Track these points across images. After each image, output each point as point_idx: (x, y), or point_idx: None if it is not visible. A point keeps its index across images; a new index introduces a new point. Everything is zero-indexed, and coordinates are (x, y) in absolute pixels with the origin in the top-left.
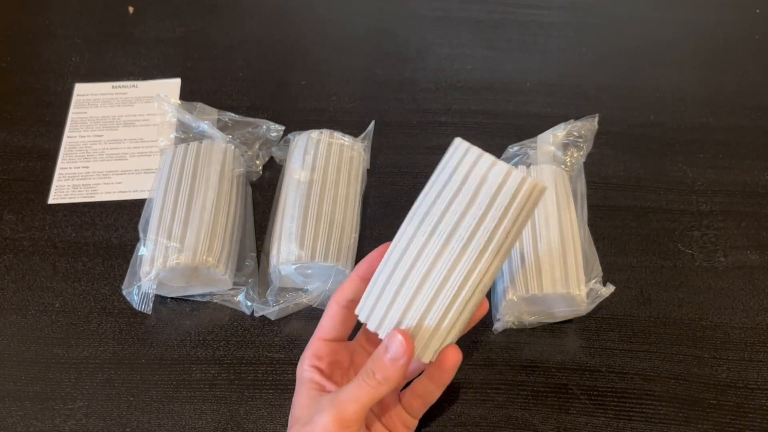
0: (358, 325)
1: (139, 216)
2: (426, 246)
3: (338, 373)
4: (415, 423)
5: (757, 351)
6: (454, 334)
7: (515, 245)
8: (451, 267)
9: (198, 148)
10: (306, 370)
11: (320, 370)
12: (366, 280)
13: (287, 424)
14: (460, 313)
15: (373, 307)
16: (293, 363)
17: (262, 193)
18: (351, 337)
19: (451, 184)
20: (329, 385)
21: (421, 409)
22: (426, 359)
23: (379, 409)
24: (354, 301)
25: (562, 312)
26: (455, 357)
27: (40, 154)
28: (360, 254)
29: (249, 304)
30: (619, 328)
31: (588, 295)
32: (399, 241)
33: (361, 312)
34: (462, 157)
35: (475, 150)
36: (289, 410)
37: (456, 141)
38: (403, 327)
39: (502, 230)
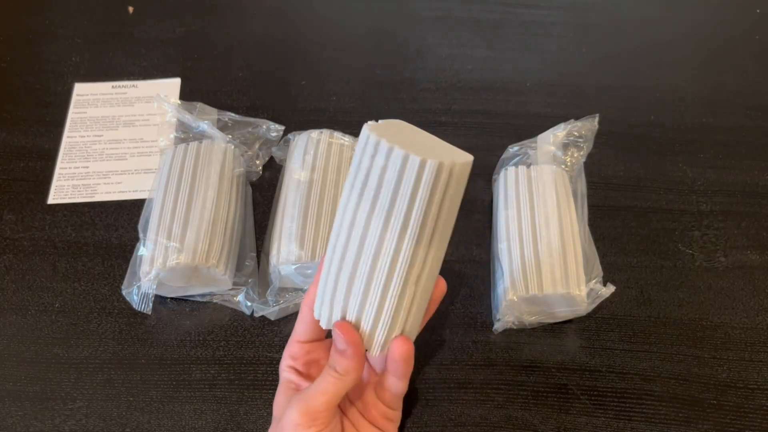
0: None
1: (138, 216)
2: (350, 238)
3: (315, 371)
4: (396, 414)
5: (757, 351)
6: (401, 324)
7: (449, 230)
8: (374, 256)
9: (198, 148)
10: (283, 370)
11: (296, 371)
12: None
13: None
14: (397, 304)
15: (321, 306)
16: None
17: (262, 193)
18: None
19: (370, 181)
20: (304, 384)
21: (394, 400)
22: (373, 352)
23: (361, 406)
24: None
25: (562, 312)
26: (401, 348)
27: (39, 154)
28: None
29: (249, 304)
30: (619, 328)
31: (588, 295)
32: (336, 238)
33: (317, 313)
34: (373, 155)
35: (384, 144)
36: None
37: (364, 130)
38: (348, 319)
39: (415, 216)
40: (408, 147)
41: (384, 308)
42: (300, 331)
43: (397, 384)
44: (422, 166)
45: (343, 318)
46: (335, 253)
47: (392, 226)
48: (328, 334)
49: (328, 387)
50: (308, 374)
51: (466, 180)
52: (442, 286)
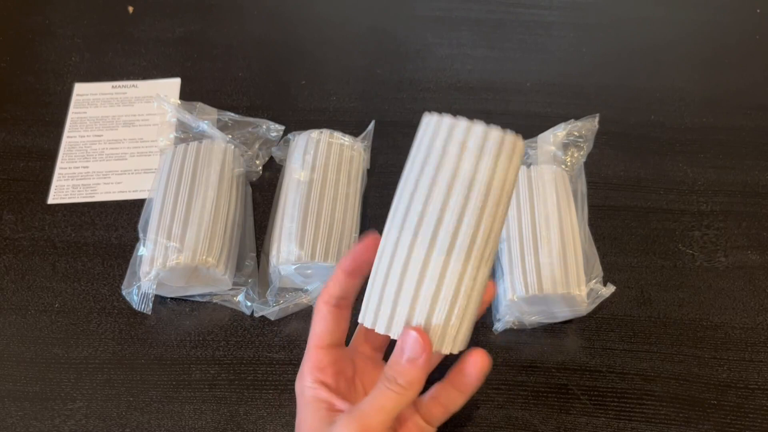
0: (351, 329)
1: (138, 216)
2: (417, 235)
3: (343, 384)
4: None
5: (757, 351)
6: (469, 320)
7: (507, 216)
8: (449, 250)
9: (198, 148)
10: (309, 387)
11: (326, 385)
12: (351, 275)
13: (287, 425)
14: (469, 296)
15: (377, 310)
16: (293, 363)
17: (262, 193)
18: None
19: (429, 165)
20: (339, 402)
21: (440, 418)
22: (446, 350)
23: (395, 420)
24: (344, 299)
25: (562, 312)
26: (479, 363)
27: (39, 154)
28: None
29: (249, 304)
30: (619, 328)
31: (588, 295)
32: (388, 236)
33: (365, 318)
34: (435, 132)
35: (447, 119)
36: (289, 410)
37: (425, 117)
38: (413, 323)
39: (492, 198)
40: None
41: (458, 302)
42: (321, 332)
43: (456, 400)
44: (502, 139)
45: (408, 322)
46: (397, 254)
47: (470, 212)
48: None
49: (386, 403)
50: (339, 389)
51: (520, 159)
52: (492, 289)
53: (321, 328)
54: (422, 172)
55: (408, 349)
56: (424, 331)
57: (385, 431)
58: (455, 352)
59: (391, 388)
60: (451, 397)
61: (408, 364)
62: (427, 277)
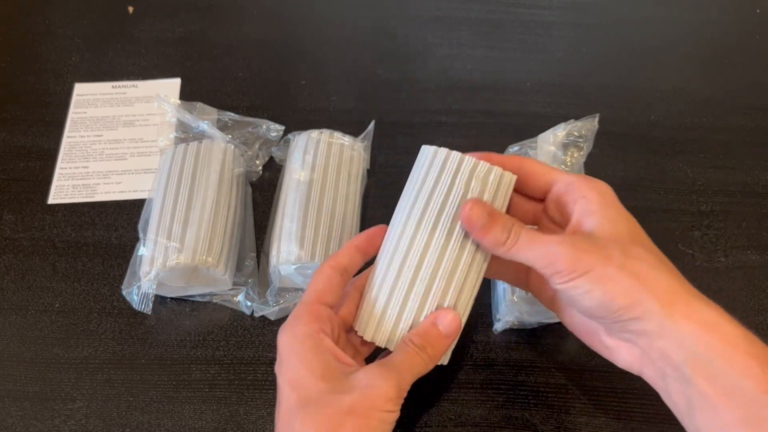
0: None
1: (138, 216)
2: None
3: (344, 351)
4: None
5: None
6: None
7: None
8: (437, 260)
9: (198, 148)
10: (311, 334)
11: (327, 335)
12: (361, 252)
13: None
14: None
15: (381, 322)
16: None
17: (262, 193)
18: None
19: (424, 187)
20: (343, 356)
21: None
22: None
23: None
24: (347, 271)
25: None
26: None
27: (39, 154)
28: None
29: (249, 304)
30: None
31: None
32: (383, 252)
33: (365, 330)
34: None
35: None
36: None
37: (423, 149)
38: (401, 329)
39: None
40: None
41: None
42: (324, 290)
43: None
44: (461, 161)
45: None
46: (391, 269)
47: (443, 223)
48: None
49: (415, 366)
50: (337, 350)
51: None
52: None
53: (323, 286)
54: (416, 198)
55: (446, 325)
56: (456, 314)
57: (407, 391)
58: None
59: (422, 355)
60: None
61: (442, 339)
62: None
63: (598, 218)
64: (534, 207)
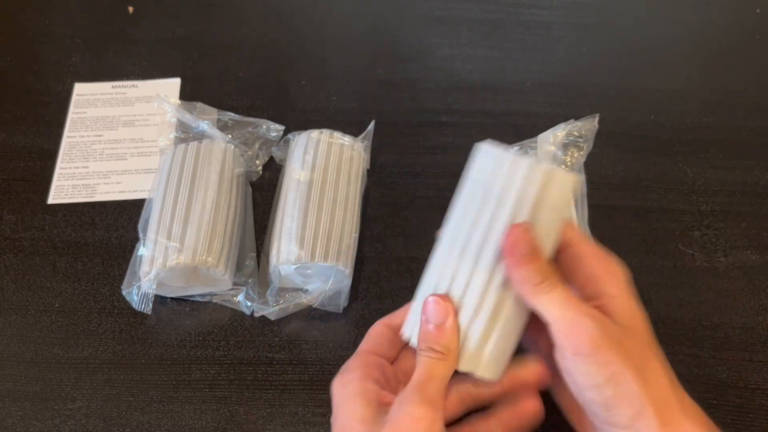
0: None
1: (138, 216)
2: (456, 253)
3: (388, 387)
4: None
5: (757, 351)
6: (495, 341)
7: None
8: (475, 259)
9: (198, 148)
10: (356, 379)
11: (374, 380)
12: None
13: (287, 425)
14: (496, 312)
15: (415, 325)
16: (293, 363)
17: (262, 193)
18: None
19: (478, 197)
20: (389, 396)
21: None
22: (464, 367)
23: None
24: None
25: None
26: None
27: (39, 154)
28: (360, 254)
29: (249, 304)
30: None
31: None
32: (435, 260)
33: (404, 332)
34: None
35: (506, 155)
36: (289, 410)
37: (481, 148)
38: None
39: (523, 215)
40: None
41: (477, 319)
42: (373, 341)
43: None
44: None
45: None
46: (444, 271)
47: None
48: None
49: (432, 370)
50: (386, 388)
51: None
52: (541, 371)
53: (373, 339)
54: (470, 201)
55: (431, 316)
56: (443, 297)
57: (441, 396)
58: (478, 373)
59: (431, 356)
60: (491, 428)
61: (437, 330)
62: (454, 289)
63: (620, 303)
64: None
